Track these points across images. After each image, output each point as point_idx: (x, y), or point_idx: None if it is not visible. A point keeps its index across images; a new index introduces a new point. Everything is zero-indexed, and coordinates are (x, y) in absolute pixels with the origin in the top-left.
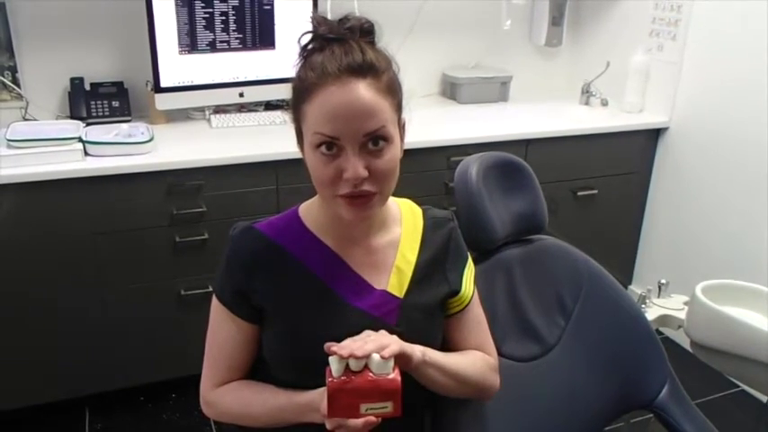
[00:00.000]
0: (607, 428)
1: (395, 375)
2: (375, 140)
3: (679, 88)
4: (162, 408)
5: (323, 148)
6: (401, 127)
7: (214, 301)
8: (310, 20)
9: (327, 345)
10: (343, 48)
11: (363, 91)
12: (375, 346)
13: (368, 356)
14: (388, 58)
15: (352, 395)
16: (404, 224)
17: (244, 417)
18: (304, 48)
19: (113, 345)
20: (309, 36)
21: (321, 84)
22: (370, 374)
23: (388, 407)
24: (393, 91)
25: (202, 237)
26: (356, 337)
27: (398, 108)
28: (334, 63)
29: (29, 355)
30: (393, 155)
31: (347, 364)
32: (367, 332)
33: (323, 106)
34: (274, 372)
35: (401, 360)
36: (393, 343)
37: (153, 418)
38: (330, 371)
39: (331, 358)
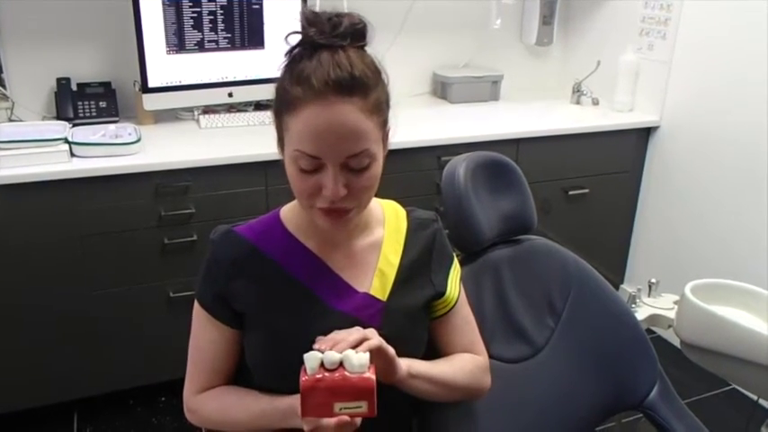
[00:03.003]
0: (597, 429)
1: (370, 374)
2: (357, 160)
3: (669, 87)
4: (152, 411)
5: (303, 164)
6: (385, 136)
7: (196, 305)
8: (300, 16)
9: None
10: (333, 58)
11: (349, 114)
12: (357, 337)
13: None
14: (378, 69)
15: (325, 393)
16: (387, 226)
17: (226, 423)
18: (291, 51)
19: (102, 347)
20: (297, 38)
21: (306, 100)
22: (345, 372)
23: (362, 407)
24: (380, 109)
25: (191, 238)
26: (340, 331)
27: (384, 124)
28: (321, 78)
29: (15, 359)
30: (374, 172)
31: (322, 362)
32: (356, 328)
33: (306, 125)
34: (257, 377)
35: (385, 373)
36: (373, 338)
37: (142, 421)
38: (305, 369)
39: (306, 356)
